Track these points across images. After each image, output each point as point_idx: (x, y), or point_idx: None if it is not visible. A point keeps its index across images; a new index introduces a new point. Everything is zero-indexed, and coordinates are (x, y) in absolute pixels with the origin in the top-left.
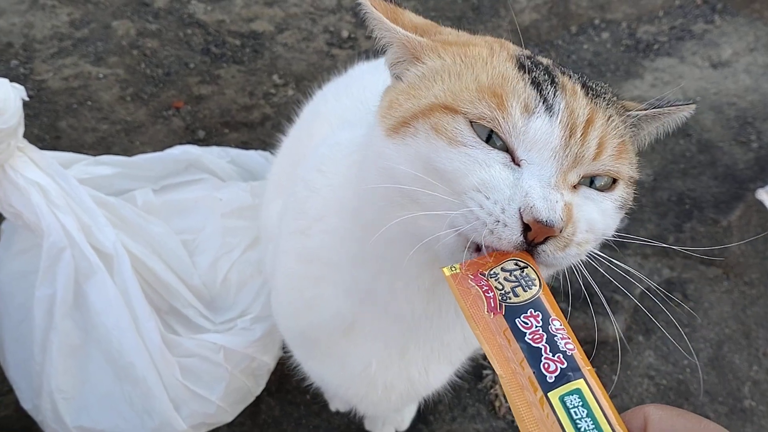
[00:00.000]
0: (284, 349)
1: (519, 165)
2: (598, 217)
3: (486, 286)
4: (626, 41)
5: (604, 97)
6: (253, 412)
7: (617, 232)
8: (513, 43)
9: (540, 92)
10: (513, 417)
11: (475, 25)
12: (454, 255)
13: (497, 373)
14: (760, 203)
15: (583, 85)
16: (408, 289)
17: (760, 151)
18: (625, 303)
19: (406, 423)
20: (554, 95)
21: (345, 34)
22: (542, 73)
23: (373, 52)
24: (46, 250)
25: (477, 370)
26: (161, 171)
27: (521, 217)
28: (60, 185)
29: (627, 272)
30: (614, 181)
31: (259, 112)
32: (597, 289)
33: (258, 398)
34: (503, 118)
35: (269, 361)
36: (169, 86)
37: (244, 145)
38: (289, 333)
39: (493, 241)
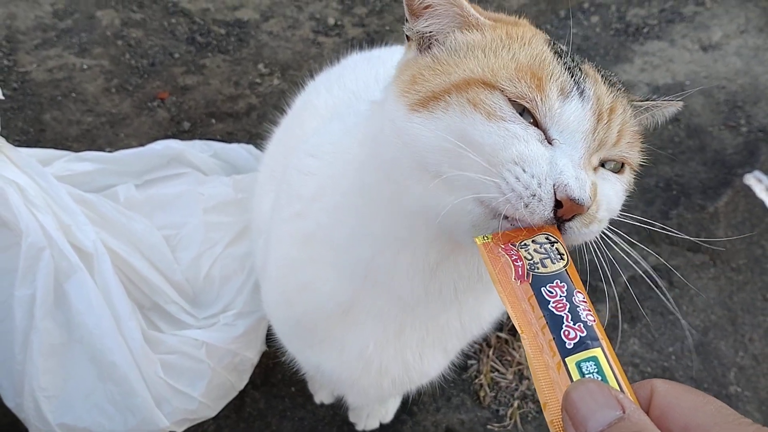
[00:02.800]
0: (273, 344)
1: (551, 144)
2: (614, 197)
3: (515, 255)
4: (616, 25)
5: (618, 87)
6: (238, 405)
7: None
8: None
9: (573, 77)
10: (497, 407)
11: None
12: (476, 227)
13: (519, 334)
14: (748, 188)
15: (601, 74)
16: (413, 267)
17: (749, 136)
18: (610, 291)
19: (390, 415)
20: (585, 81)
21: (331, 21)
22: (570, 58)
23: (359, 40)
24: (25, 250)
25: (461, 361)
26: (143, 166)
27: (555, 194)
28: (39, 184)
29: (614, 258)
30: (622, 165)
31: (244, 102)
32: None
33: (243, 391)
34: (541, 100)
35: (252, 357)
36: (154, 77)
37: (230, 136)
38: (283, 325)
39: (525, 215)
